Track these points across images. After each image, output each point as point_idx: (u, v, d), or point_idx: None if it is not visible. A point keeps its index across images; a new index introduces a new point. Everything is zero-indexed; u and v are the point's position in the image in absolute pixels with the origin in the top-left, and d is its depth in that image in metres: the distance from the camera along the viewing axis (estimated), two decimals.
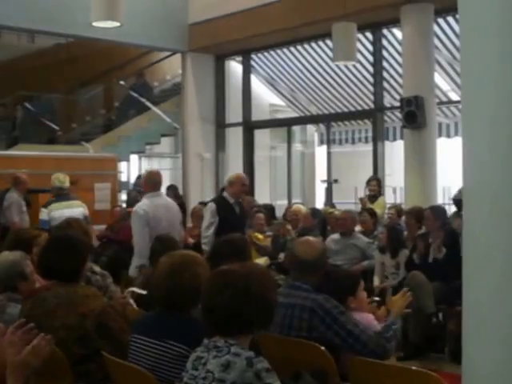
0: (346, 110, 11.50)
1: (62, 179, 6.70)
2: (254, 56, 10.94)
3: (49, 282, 3.00)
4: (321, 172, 11.82)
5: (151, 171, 5.79)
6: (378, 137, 9.19)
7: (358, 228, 6.72)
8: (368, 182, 7.93)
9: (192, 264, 2.61)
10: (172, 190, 9.72)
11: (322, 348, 2.79)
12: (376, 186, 7.82)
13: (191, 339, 2.38)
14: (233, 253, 3.40)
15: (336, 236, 6.51)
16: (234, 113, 10.85)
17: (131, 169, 12.56)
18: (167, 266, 2.62)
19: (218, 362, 2.05)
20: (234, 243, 3.65)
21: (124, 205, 10.20)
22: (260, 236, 6.79)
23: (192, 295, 2.52)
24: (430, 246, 5.55)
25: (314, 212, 7.30)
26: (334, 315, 2.96)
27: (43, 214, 6.49)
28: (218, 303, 2.12)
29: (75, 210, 6.49)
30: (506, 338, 2.43)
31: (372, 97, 9.71)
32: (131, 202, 10.22)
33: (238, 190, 5.78)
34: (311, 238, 3.38)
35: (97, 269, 4.33)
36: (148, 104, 11.76)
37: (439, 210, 5.91)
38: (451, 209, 7.25)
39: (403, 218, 6.66)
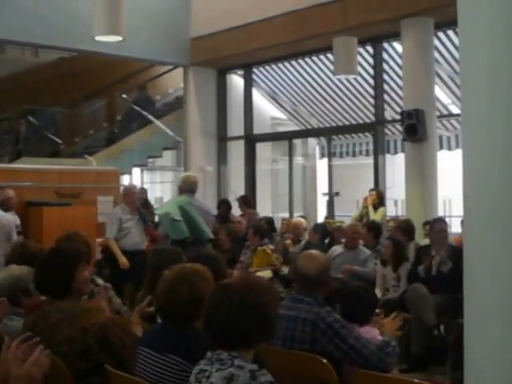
0: (346, 123, 11.55)
1: None
2: (255, 70, 11.01)
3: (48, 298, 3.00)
4: (322, 185, 11.84)
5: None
6: (379, 150, 9.23)
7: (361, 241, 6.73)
8: (369, 193, 8.13)
9: (191, 276, 2.61)
10: None
11: (324, 361, 2.79)
12: (375, 197, 8.01)
13: (192, 353, 2.38)
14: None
15: (340, 248, 6.52)
16: (236, 126, 10.90)
17: (133, 182, 12.59)
18: (168, 278, 2.64)
19: (221, 374, 2.05)
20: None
21: None
22: (268, 250, 6.82)
23: (192, 308, 2.52)
24: (433, 259, 5.56)
25: (318, 227, 7.37)
26: (335, 329, 2.97)
27: None
28: (215, 317, 2.14)
29: None
30: (509, 350, 2.44)
31: (373, 110, 9.76)
32: None
33: None
34: (315, 252, 3.33)
35: (99, 281, 4.34)
36: (150, 117, 11.82)
37: (446, 223, 5.98)
38: (451, 221, 7.27)
39: None
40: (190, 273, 2.65)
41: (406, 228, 6.27)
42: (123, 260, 6.36)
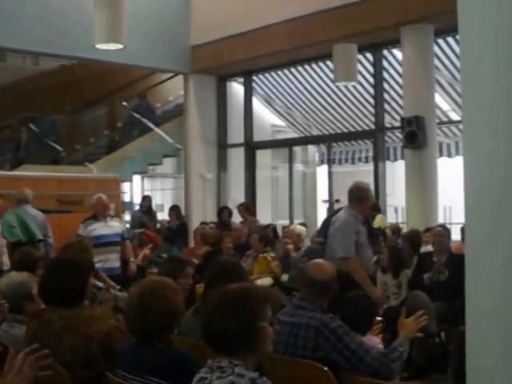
0: (346, 130, 11.55)
1: None
2: (255, 77, 11.03)
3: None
4: (322, 192, 11.84)
5: None
6: (379, 157, 9.23)
7: None
8: None
9: (160, 289, 2.59)
10: (174, 210, 9.75)
11: (325, 368, 2.79)
12: None
13: (169, 370, 2.38)
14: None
15: None
16: (236, 133, 10.92)
17: (134, 189, 12.61)
18: (136, 295, 2.59)
19: (221, 382, 2.04)
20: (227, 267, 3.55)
21: (128, 225, 10.23)
22: (269, 257, 6.81)
23: (165, 321, 2.52)
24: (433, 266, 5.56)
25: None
26: (338, 334, 2.97)
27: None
28: (212, 321, 2.15)
29: None
30: (510, 358, 2.43)
31: (372, 117, 9.77)
32: (135, 222, 10.26)
33: None
34: (323, 261, 3.45)
35: (100, 284, 4.39)
36: (150, 125, 11.84)
37: (448, 230, 5.98)
38: (451, 228, 7.26)
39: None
40: (158, 286, 2.62)
41: (414, 240, 6.23)
42: (379, 295, 4.30)
